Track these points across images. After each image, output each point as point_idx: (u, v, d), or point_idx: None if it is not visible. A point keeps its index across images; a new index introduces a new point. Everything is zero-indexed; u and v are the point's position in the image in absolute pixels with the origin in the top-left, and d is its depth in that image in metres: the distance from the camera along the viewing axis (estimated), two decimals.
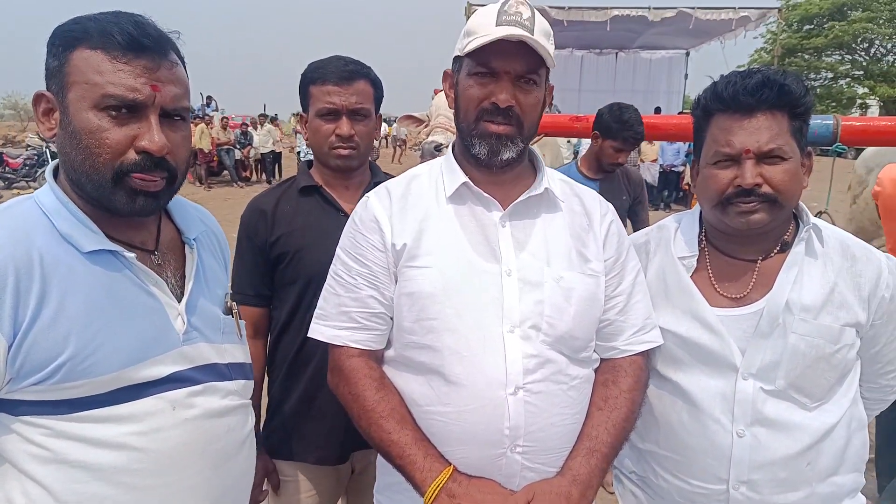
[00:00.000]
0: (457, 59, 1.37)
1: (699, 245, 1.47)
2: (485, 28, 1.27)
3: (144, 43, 1.06)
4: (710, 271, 1.44)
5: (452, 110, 1.41)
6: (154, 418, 1.09)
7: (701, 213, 1.50)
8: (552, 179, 1.42)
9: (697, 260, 1.45)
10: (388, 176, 1.94)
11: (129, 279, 1.11)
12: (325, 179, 1.86)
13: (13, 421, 1.03)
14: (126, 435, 1.06)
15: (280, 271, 1.79)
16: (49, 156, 15.62)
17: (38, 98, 1.10)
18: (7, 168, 15.02)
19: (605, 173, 3.47)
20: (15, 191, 14.40)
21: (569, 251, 1.36)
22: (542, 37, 1.27)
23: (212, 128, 16.50)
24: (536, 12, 1.30)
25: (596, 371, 1.41)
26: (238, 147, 17.16)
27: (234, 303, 1.34)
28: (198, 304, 1.22)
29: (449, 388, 1.28)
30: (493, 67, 1.28)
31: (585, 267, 1.36)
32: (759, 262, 1.40)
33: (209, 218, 1.42)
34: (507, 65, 1.28)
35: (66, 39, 1.06)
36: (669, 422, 1.43)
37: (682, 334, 1.40)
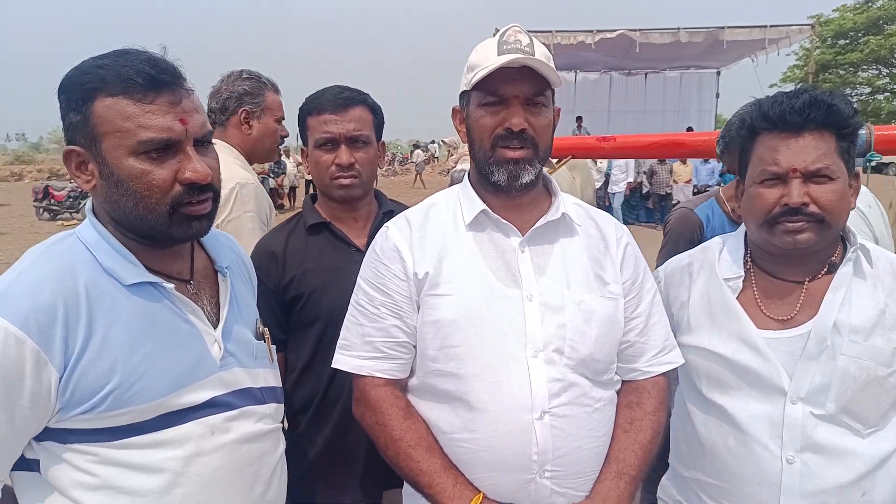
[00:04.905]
0: (463, 94, 1.40)
1: (744, 266, 1.45)
2: (487, 59, 1.30)
3: (164, 79, 1.08)
4: (755, 293, 1.42)
5: (465, 143, 1.44)
6: (194, 443, 1.12)
7: (746, 233, 1.48)
8: (568, 204, 1.44)
9: (743, 281, 1.43)
10: (396, 204, 1.93)
11: (168, 309, 1.14)
12: (332, 213, 1.82)
13: (63, 450, 1.06)
14: (168, 460, 1.09)
15: (296, 313, 1.73)
16: None
17: (68, 154, 1.11)
18: (52, 200, 15.61)
19: None
20: (60, 222, 14.96)
21: (587, 274, 1.37)
22: (543, 59, 1.30)
23: None
24: (534, 39, 1.33)
25: (618, 393, 1.41)
26: (272, 176, 17.59)
27: (266, 328, 1.36)
28: (233, 331, 1.25)
29: (474, 414, 1.28)
30: (501, 94, 1.31)
31: (604, 290, 1.37)
32: (806, 283, 1.37)
33: (237, 246, 1.46)
34: (514, 90, 1.30)
35: (84, 91, 1.06)
36: (715, 448, 1.40)
37: (728, 356, 1.38)
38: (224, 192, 2.70)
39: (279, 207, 17.44)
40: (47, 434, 1.05)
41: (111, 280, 1.10)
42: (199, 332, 1.18)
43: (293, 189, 18.62)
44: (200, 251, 1.31)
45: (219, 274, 1.30)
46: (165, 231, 1.12)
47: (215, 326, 1.22)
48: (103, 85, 1.05)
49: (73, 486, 1.05)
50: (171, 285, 1.15)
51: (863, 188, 2.05)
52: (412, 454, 1.29)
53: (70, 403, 1.02)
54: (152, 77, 1.06)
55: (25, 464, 1.07)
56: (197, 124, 1.12)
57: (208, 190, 1.14)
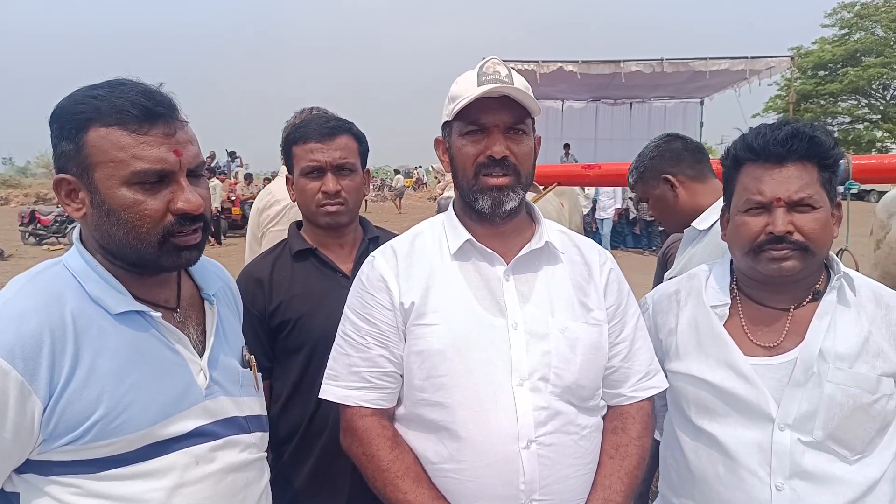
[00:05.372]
0: (445, 125, 1.42)
1: (731, 293, 1.47)
2: (467, 91, 1.32)
3: (159, 111, 1.08)
4: (742, 320, 1.43)
5: (448, 173, 1.46)
6: (178, 473, 1.10)
7: (732, 261, 1.50)
8: (551, 231, 1.45)
9: (730, 308, 1.45)
10: (381, 230, 1.94)
11: (155, 338, 1.14)
12: (318, 240, 1.82)
13: (45, 482, 1.04)
14: (152, 491, 1.07)
15: (282, 340, 1.72)
16: None
17: (58, 182, 1.10)
18: (39, 224, 15.47)
19: None
20: (46, 246, 14.79)
21: (571, 302, 1.38)
22: (522, 88, 1.33)
23: (236, 184, 16.95)
24: (513, 71, 1.36)
25: (604, 418, 1.41)
26: None
27: (252, 356, 1.35)
28: (219, 359, 1.24)
29: (461, 444, 1.28)
30: (482, 123, 1.33)
31: (588, 316, 1.38)
32: (791, 310, 1.39)
33: (223, 272, 1.45)
34: (495, 118, 1.33)
35: (77, 121, 1.06)
36: (705, 475, 1.39)
37: (715, 383, 1.38)
38: (277, 208, 2.77)
39: None
40: (29, 466, 1.03)
41: (98, 309, 1.09)
42: (185, 360, 1.17)
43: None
44: (187, 278, 1.30)
45: (206, 301, 1.30)
46: (155, 260, 1.12)
47: (201, 355, 1.21)
48: (97, 115, 1.05)
49: None
50: (158, 314, 1.14)
51: None
52: (400, 485, 1.28)
53: (54, 434, 1.01)
54: (147, 109, 1.06)
55: (5, 497, 1.05)
56: (190, 155, 1.12)
57: (199, 220, 1.14)
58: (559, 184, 3.99)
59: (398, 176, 30.27)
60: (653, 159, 2.23)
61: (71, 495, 1.03)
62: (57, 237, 15.32)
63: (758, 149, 1.35)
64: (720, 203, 2.19)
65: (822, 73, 32.59)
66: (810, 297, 1.39)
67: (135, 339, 1.10)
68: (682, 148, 2.21)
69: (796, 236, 1.31)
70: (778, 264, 1.32)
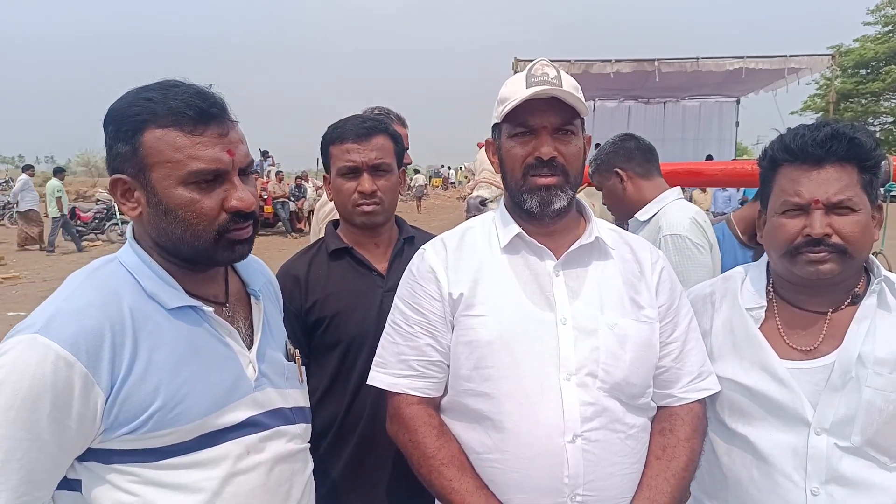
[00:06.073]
0: (495, 126, 1.44)
1: (767, 296, 1.46)
2: (516, 93, 1.34)
3: (213, 112, 1.12)
4: (778, 323, 1.42)
5: (499, 174, 1.47)
6: (231, 462, 1.14)
7: (768, 263, 1.49)
8: (602, 228, 1.46)
9: (765, 311, 1.43)
10: (417, 230, 1.96)
11: (207, 331, 1.18)
12: (354, 239, 1.85)
13: (106, 470, 1.08)
14: (205, 480, 1.11)
15: (318, 337, 1.75)
16: (117, 210, 16.55)
17: (114, 183, 1.13)
18: (79, 221, 15.92)
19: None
20: (85, 242, 15.23)
21: (622, 298, 1.38)
22: (570, 89, 1.34)
23: (267, 182, 17.22)
24: (561, 71, 1.37)
25: (652, 420, 1.41)
26: (293, 199, 17.83)
27: (297, 349, 1.39)
28: (266, 352, 1.28)
29: (506, 435, 1.29)
30: (530, 125, 1.35)
31: (639, 314, 1.38)
32: (829, 314, 1.37)
33: (266, 269, 1.50)
34: (543, 120, 1.34)
35: (134, 123, 1.09)
36: (739, 478, 1.39)
37: (750, 386, 1.37)
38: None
39: (298, 231, 17.64)
40: (90, 454, 1.07)
41: (153, 304, 1.13)
42: (236, 354, 1.21)
43: (312, 213, 18.90)
44: (233, 274, 1.35)
45: (251, 297, 1.34)
46: (211, 255, 1.16)
47: (249, 348, 1.25)
48: (153, 117, 1.09)
49: None
50: (210, 309, 1.18)
51: (690, 205, 2.44)
52: (445, 472, 1.31)
53: (115, 424, 1.05)
54: (202, 110, 1.10)
55: (67, 484, 1.09)
56: (241, 155, 1.16)
57: (251, 217, 1.19)
58: (590, 184, 3.98)
59: (418, 175, 29.68)
60: (608, 154, 2.57)
61: (129, 483, 1.08)
62: (96, 233, 15.78)
63: (796, 150, 1.33)
64: (661, 197, 2.47)
65: (863, 71, 31.67)
66: (849, 300, 1.37)
67: (188, 333, 1.15)
68: (635, 147, 2.54)
69: (834, 239, 1.29)
70: (815, 267, 1.31)
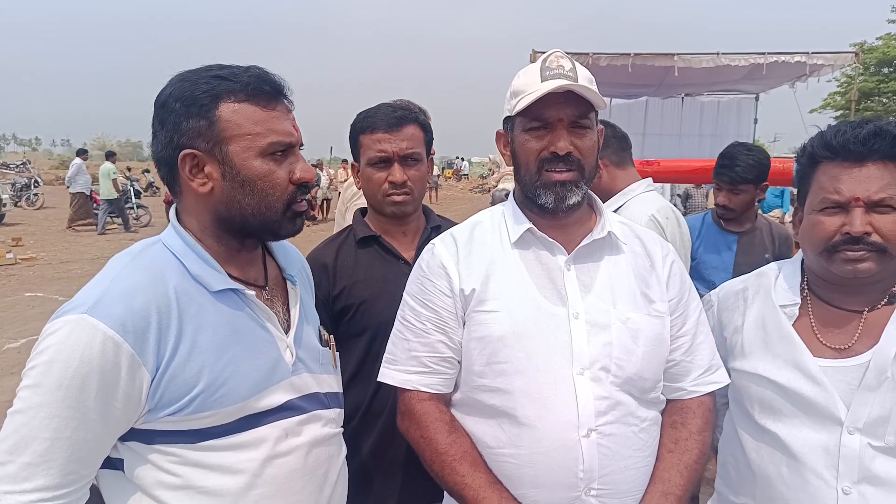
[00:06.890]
0: (507, 119, 1.43)
1: (801, 293, 1.45)
2: (531, 86, 1.32)
3: (283, 90, 1.19)
4: (812, 320, 1.41)
5: (510, 166, 1.46)
6: (271, 445, 1.16)
7: (803, 261, 1.48)
8: (613, 222, 1.45)
9: (799, 308, 1.43)
10: (443, 219, 1.97)
11: (248, 315, 1.20)
12: (381, 227, 1.86)
13: (148, 450, 1.10)
14: (246, 461, 1.13)
15: (344, 324, 1.77)
16: (133, 194, 16.69)
17: (183, 158, 1.14)
18: (95, 205, 16.10)
19: (743, 225, 2.99)
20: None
21: (633, 293, 1.38)
22: (586, 83, 1.32)
23: None
24: (576, 63, 1.36)
25: (662, 413, 1.41)
26: None
27: (331, 335, 1.40)
28: (302, 337, 1.30)
29: (521, 430, 1.29)
30: (546, 119, 1.33)
31: (651, 308, 1.38)
32: (864, 313, 1.36)
33: (299, 254, 1.51)
34: (559, 113, 1.33)
35: (210, 97, 1.12)
36: (767, 475, 1.39)
37: (782, 384, 1.37)
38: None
39: (312, 219, 17.71)
40: (133, 434, 1.09)
41: (197, 286, 1.15)
42: (274, 338, 1.23)
43: (326, 201, 18.97)
44: (270, 259, 1.36)
45: (287, 282, 1.35)
46: (277, 227, 1.21)
47: (286, 332, 1.27)
48: (229, 93, 1.13)
49: (156, 485, 1.10)
50: (252, 292, 1.20)
51: (656, 199, 2.44)
52: (457, 468, 1.30)
53: (159, 405, 1.07)
54: (276, 86, 1.17)
55: (110, 463, 1.11)
56: (300, 132, 1.22)
57: (308, 190, 1.24)
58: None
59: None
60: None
61: (171, 463, 1.10)
62: (111, 216, 15.89)
63: (836, 146, 1.32)
64: (628, 190, 2.48)
65: (886, 69, 31.19)
66: (886, 300, 1.36)
67: (231, 316, 1.16)
68: (611, 135, 2.51)
69: (874, 238, 1.28)
70: (853, 266, 1.30)
